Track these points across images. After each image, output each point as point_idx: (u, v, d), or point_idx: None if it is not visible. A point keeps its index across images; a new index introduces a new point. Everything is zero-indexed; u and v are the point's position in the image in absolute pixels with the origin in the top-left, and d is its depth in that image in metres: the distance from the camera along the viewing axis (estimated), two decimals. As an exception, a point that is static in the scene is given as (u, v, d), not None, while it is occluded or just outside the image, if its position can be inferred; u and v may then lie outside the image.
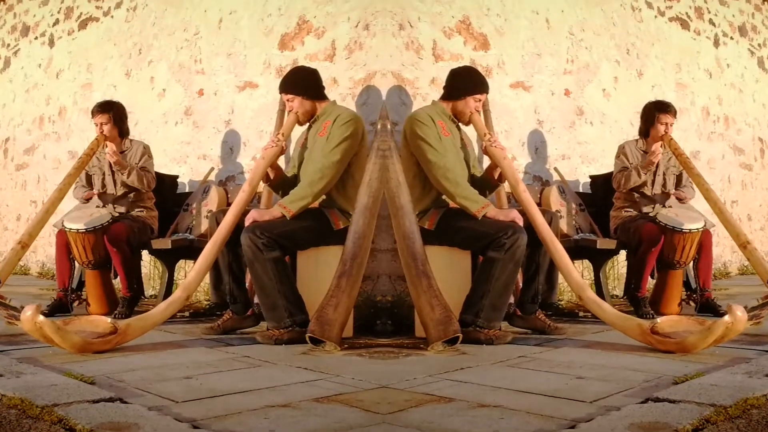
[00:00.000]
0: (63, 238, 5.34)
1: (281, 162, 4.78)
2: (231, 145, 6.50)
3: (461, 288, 4.28)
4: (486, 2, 6.57)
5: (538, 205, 5.66)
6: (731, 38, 9.97)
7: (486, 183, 4.59)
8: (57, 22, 9.52)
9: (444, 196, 4.38)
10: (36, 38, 10.10)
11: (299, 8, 6.37)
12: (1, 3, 11.55)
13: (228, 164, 6.48)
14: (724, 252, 5.18)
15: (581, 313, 5.21)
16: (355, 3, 6.15)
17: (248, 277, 4.51)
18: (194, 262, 5.96)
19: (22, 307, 4.13)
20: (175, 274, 5.80)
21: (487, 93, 4.65)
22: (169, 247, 5.36)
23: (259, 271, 4.10)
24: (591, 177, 6.37)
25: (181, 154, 6.87)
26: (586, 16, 7.26)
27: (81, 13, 8.92)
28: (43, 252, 8.54)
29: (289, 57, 6.32)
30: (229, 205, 5.66)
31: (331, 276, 4.08)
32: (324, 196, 4.40)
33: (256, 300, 4.50)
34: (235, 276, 4.49)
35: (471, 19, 6.47)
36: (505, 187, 4.93)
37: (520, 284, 4.62)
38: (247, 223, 4.18)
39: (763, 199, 10.79)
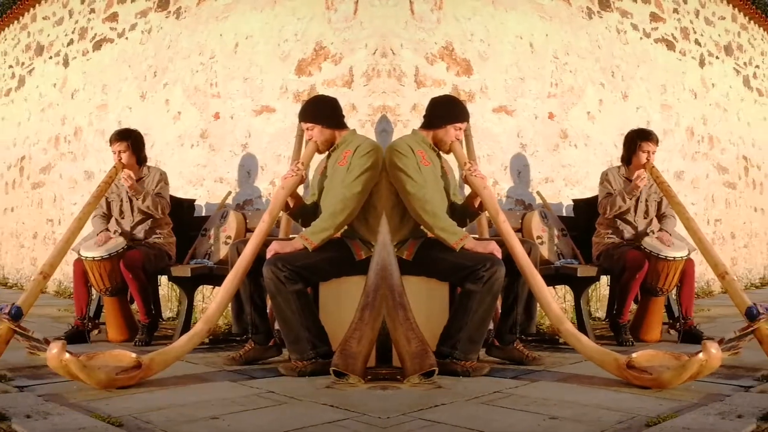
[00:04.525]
0: (80, 266, 5.35)
1: (300, 190, 4.78)
2: (248, 168, 6.51)
3: (439, 319, 4.26)
4: (469, 28, 6.61)
5: (520, 230, 5.70)
6: (717, 57, 10.07)
7: (466, 211, 4.59)
8: (71, 42, 9.57)
9: (422, 227, 4.36)
10: (50, 57, 10.16)
11: (316, 34, 6.39)
12: (15, 22, 11.62)
13: (245, 188, 6.49)
14: (707, 270, 5.21)
15: (562, 339, 5.22)
16: (372, 30, 6.17)
17: (270, 306, 4.50)
18: (213, 288, 6.05)
19: (45, 339, 4.16)
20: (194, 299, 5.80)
21: (467, 121, 4.65)
22: (189, 275, 5.36)
23: (282, 304, 4.10)
24: (574, 201, 6.37)
25: (197, 176, 6.89)
26: (570, 39, 7.29)
27: (95, 34, 8.97)
28: (60, 271, 8.56)
29: (306, 82, 6.33)
30: (247, 230, 5.68)
31: (353, 307, 4.06)
32: (346, 227, 4.39)
33: (276, 327, 4.49)
34: (256, 306, 4.48)
35: (454, 45, 6.49)
36: (486, 214, 4.94)
37: (499, 313, 4.60)
38: (268, 255, 4.17)
39: (746, 217, 10.84)
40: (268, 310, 4.57)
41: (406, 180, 4.27)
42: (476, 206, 4.50)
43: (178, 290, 5.97)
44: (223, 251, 5.60)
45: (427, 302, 4.29)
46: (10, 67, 11.73)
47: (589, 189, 6.52)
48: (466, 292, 4.13)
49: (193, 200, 6.39)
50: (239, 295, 4.46)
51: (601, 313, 6.22)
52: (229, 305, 4.41)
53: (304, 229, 4.47)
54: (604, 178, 5.56)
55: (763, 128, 11.73)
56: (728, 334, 4.30)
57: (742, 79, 11.01)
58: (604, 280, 5.78)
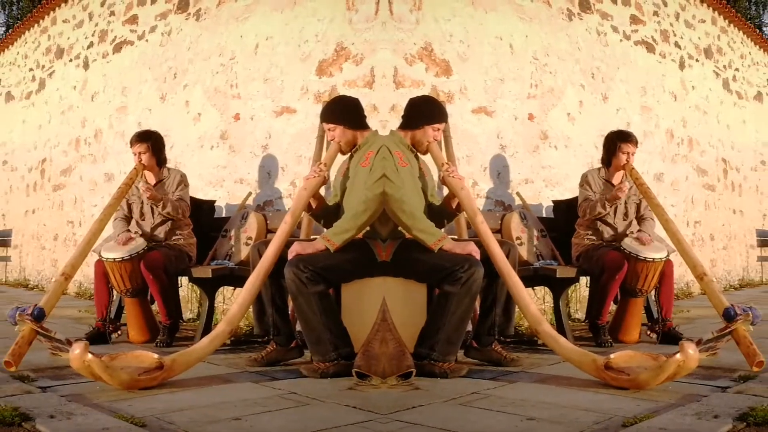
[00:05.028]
0: (101, 266, 5.36)
1: (321, 191, 4.77)
2: (268, 169, 6.51)
3: (417, 320, 4.23)
4: (449, 29, 6.59)
5: (499, 231, 5.68)
6: (697, 60, 10.11)
7: (444, 212, 4.56)
8: (91, 45, 9.61)
9: (400, 228, 4.33)
10: (71, 60, 10.21)
11: (337, 35, 6.38)
12: (35, 25, 11.68)
13: (266, 189, 6.48)
14: (687, 272, 5.21)
15: (540, 341, 5.19)
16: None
17: (291, 307, 4.49)
18: (234, 290, 6.04)
19: (68, 340, 4.16)
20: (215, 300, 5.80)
21: (445, 122, 4.64)
22: (210, 276, 5.35)
23: (304, 306, 4.08)
24: (554, 202, 6.35)
25: (217, 177, 6.89)
26: (550, 41, 7.28)
27: (115, 37, 9.00)
28: (80, 272, 8.60)
29: (327, 83, 6.32)
30: (268, 232, 5.67)
31: (375, 308, 4.06)
32: (368, 228, 4.37)
33: (298, 328, 4.48)
34: (278, 308, 4.46)
35: (433, 46, 6.47)
36: (464, 215, 4.92)
37: (477, 314, 4.57)
38: (290, 256, 4.15)
39: (725, 219, 10.90)
40: (289, 312, 4.55)
41: (384, 181, 4.25)
42: (454, 207, 4.48)
43: (198, 291, 5.97)
44: (244, 252, 5.60)
45: (405, 303, 4.26)
46: (31, 70, 11.80)
47: (569, 190, 6.53)
48: (444, 293, 4.10)
49: (213, 201, 6.38)
50: (261, 296, 4.44)
51: (581, 315, 6.23)
52: (251, 306, 4.40)
53: (325, 230, 4.45)
54: (584, 181, 5.57)
55: (742, 131, 11.86)
56: (707, 335, 4.31)
57: (722, 82, 11.11)
58: (585, 281, 5.78)
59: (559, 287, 5.57)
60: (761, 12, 29.96)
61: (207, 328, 5.32)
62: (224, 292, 6.25)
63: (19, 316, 4.35)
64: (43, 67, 11.25)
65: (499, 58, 6.86)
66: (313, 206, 4.50)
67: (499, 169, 6.61)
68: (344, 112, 4.54)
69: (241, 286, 4.36)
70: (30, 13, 11.84)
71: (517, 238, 5.67)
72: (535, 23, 7.18)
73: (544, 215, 6.39)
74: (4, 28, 29.08)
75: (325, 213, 4.59)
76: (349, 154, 4.58)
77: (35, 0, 23.62)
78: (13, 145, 12.26)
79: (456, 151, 5.62)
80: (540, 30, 7.23)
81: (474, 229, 4.29)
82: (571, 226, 5.66)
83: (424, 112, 4.52)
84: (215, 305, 5.74)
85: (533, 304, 4.10)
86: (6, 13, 29.71)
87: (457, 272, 4.05)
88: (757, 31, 13.14)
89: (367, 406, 3.41)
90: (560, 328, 5.31)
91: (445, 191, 4.54)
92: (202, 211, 6.05)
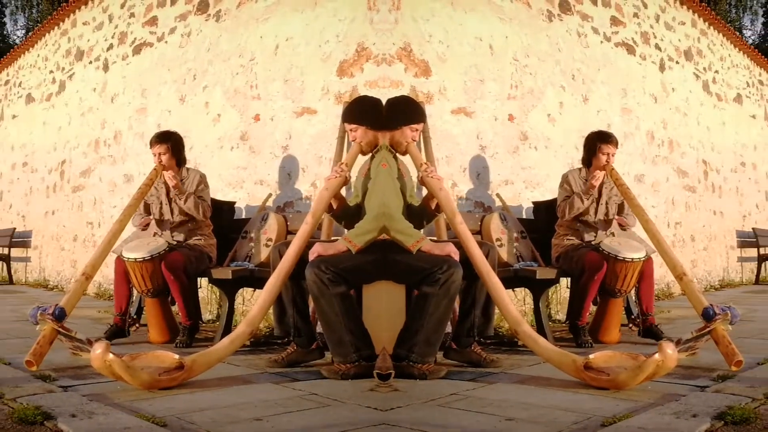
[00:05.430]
0: (121, 265, 5.36)
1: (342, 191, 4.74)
2: (289, 170, 6.49)
3: (396, 321, 4.20)
4: (428, 29, 6.55)
5: (479, 233, 5.65)
6: (677, 62, 10.13)
7: (423, 213, 4.54)
8: (111, 47, 9.64)
9: None
10: (90, 62, 10.24)
11: (358, 35, 6.36)
12: (56, 27, 11.74)
13: (286, 190, 6.47)
14: (668, 273, 5.20)
15: (520, 342, 5.16)
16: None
17: (312, 309, 4.47)
18: (254, 291, 6.02)
19: (88, 340, 4.16)
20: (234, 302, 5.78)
21: (424, 122, 4.64)
22: (230, 277, 5.34)
23: (325, 307, 4.06)
24: (534, 203, 6.32)
25: (237, 179, 6.88)
26: (530, 42, 7.25)
27: (135, 39, 9.02)
28: (99, 273, 8.63)
29: (348, 83, 6.30)
30: (288, 233, 5.65)
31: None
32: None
33: (319, 329, 4.45)
34: (299, 309, 4.44)
35: (412, 46, 6.43)
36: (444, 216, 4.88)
37: (457, 315, 4.54)
38: (311, 257, 4.13)
39: (706, 220, 10.92)
40: (310, 313, 4.53)
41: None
42: (433, 208, 4.46)
43: (217, 293, 5.95)
44: (264, 254, 5.58)
45: (384, 304, 4.24)
46: (51, 72, 11.86)
47: (550, 191, 6.50)
48: (423, 294, 4.07)
49: (233, 203, 6.38)
50: (281, 297, 4.43)
51: (562, 316, 6.19)
52: (271, 308, 4.38)
53: (346, 230, 4.43)
54: (564, 180, 5.57)
55: (722, 133, 11.90)
56: (686, 335, 4.29)
57: (702, 84, 11.14)
58: (565, 282, 5.75)
59: (539, 288, 5.55)
60: (741, 15, 30.06)
61: (227, 330, 5.31)
62: (244, 294, 6.24)
63: (40, 316, 4.36)
64: (63, 69, 11.30)
65: (478, 58, 6.82)
66: (334, 207, 4.49)
67: (479, 170, 6.58)
68: (366, 113, 4.52)
69: (261, 287, 4.35)
70: (50, 15, 11.89)
71: (497, 240, 5.66)
72: (515, 24, 7.16)
73: (524, 216, 6.38)
74: (24, 31, 29.33)
75: (346, 214, 4.57)
76: (371, 154, 4.56)
77: (55, 2, 23.83)
78: (33, 146, 12.32)
79: (435, 152, 5.62)
80: (520, 31, 7.21)
81: (453, 229, 4.28)
82: (551, 227, 5.66)
83: (402, 113, 4.51)
84: (235, 307, 5.73)
85: (513, 305, 4.08)
86: (26, 16, 29.97)
87: (435, 273, 4.02)
88: (737, 33, 13.19)
89: (387, 406, 3.39)
90: (540, 329, 5.31)
91: (425, 192, 4.52)
92: (222, 212, 6.05)
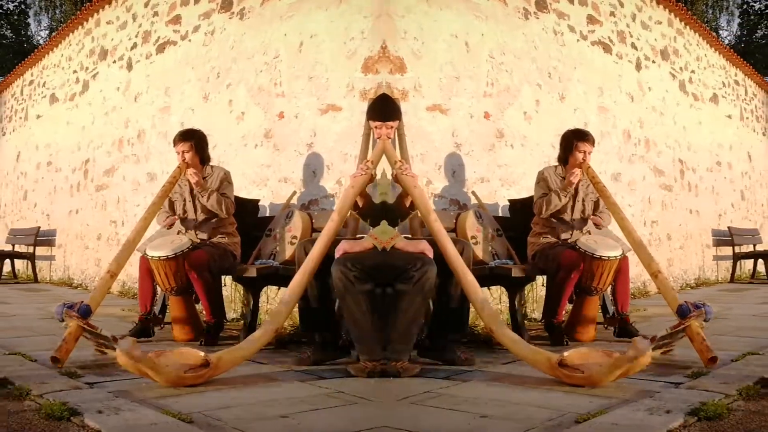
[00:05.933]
0: (146, 264, 5.36)
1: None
2: (313, 168, 6.45)
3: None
4: (403, 26, 6.46)
5: (454, 230, 5.60)
6: (653, 62, 10.12)
7: (397, 210, 4.51)
8: (135, 46, 9.65)
9: None
10: (114, 62, 10.26)
11: (383, 31, 6.32)
12: (79, 27, 11.79)
13: (311, 187, 6.43)
14: (644, 272, 5.15)
15: (495, 340, 5.12)
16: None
17: (337, 306, 4.43)
18: (278, 289, 6.00)
19: (113, 337, 4.15)
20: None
21: (399, 120, 4.61)
22: (255, 275, 5.32)
23: (351, 304, 4.03)
24: (510, 201, 6.26)
25: (261, 177, 6.86)
26: (506, 39, 7.18)
27: (159, 37, 9.03)
28: (123, 271, 8.64)
29: (373, 80, 6.25)
30: (313, 230, 5.63)
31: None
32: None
33: (345, 327, 4.42)
34: (324, 306, 4.41)
35: (387, 42, 6.35)
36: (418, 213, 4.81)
37: (431, 313, 4.48)
38: (337, 254, 4.11)
39: (682, 219, 10.92)
40: (336, 310, 4.50)
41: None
42: (407, 205, 4.42)
43: (241, 291, 5.93)
44: (288, 252, 5.56)
45: None
46: (75, 72, 11.91)
47: (526, 189, 6.43)
48: (397, 291, 4.01)
49: (257, 200, 6.35)
50: (307, 295, 4.40)
51: (538, 314, 6.13)
52: (296, 305, 4.35)
53: (372, 228, 4.40)
54: (541, 177, 5.55)
55: (698, 132, 11.87)
56: (661, 332, 4.26)
57: (678, 84, 11.08)
58: (541, 280, 5.72)
59: (514, 286, 5.54)
60: (718, 15, 30.05)
61: (252, 328, 5.29)
62: (268, 292, 6.22)
63: (65, 313, 4.36)
64: (87, 68, 11.34)
65: (454, 55, 6.74)
66: (360, 205, 4.46)
67: (455, 168, 6.51)
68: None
69: (286, 285, 4.32)
70: (74, 15, 11.94)
71: (473, 237, 5.63)
72: (491, 21, 7.08)
73: (500, 214, 6.31)
74: (47, 32, 29.54)
75: (371, 211, 4.54)
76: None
77: (78, 3, 23.97)
78: (57, 146, 12.38)
79: (410, 149, 5.53)
80: (496, 28, 7.13)
81: (427, 227, 4.27)
82: (528, 225, 5.63)
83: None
84: (260, 305, 5.71)
85: (488, 302, 4.08)
86: (49, 16, 30.19)
87: (409, 271, 3.99)
88: (713, 34, 13.15)
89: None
90: (516, 327, 5.29)
91: (399, 189, 4.48)
92: (246, 210, 6.02)
